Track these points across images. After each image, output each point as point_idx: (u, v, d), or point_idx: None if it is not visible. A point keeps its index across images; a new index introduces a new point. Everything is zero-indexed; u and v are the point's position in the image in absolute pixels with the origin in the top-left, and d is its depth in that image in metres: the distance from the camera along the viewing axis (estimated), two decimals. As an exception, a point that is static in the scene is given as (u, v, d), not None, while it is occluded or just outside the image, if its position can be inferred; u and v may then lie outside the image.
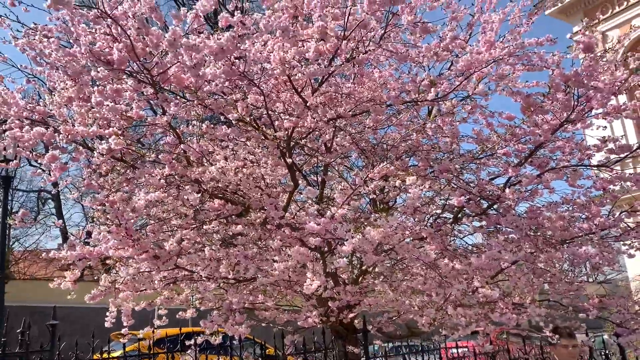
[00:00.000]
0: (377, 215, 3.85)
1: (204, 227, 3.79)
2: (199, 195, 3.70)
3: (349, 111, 4.61)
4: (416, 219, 3.99)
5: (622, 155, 4.08)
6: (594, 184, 4.41)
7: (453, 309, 3.97)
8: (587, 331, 4.76)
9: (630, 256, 4.53)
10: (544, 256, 3.83)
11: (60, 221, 13.85)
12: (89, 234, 3.99)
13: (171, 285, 4.42)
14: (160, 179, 3.83)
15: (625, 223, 4.34)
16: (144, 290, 4.45)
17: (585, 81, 3.63)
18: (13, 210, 19.78)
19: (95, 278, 8.01)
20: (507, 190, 3.98)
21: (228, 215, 4.14)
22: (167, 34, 2.83)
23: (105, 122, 3.68)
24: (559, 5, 13.84)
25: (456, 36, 3.75)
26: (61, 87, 3.49)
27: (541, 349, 4.96)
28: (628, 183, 4.19)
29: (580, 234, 4.20)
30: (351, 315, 4.46)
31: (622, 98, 8.34)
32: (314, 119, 4.12)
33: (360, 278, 4.73)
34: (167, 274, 4.29)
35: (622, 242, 4.40)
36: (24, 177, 24.38)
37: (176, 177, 4.01)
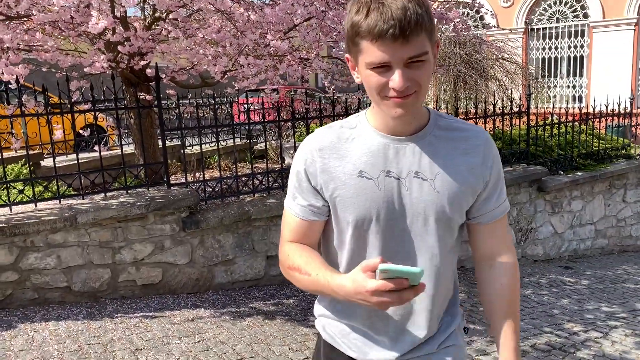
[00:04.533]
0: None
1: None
2: None
3: None
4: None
5: None
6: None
7: (245, 59, 4.13)
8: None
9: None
10: (333, 13, 4.06)
11: None
12: None
13: None
14: None
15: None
16: None
17: None
18: None
19: None
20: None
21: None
22: None
23: None
24: None
25: None
26: None
27: (320, 104, 5.60)
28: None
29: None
30: (143, 62, 4.34)
31: None
32: None
33: (153, 25, 4.52)
34: None
35: None
36: None
37: None
